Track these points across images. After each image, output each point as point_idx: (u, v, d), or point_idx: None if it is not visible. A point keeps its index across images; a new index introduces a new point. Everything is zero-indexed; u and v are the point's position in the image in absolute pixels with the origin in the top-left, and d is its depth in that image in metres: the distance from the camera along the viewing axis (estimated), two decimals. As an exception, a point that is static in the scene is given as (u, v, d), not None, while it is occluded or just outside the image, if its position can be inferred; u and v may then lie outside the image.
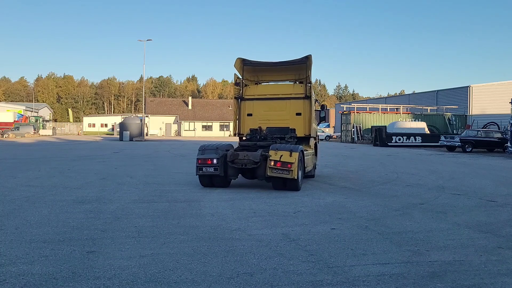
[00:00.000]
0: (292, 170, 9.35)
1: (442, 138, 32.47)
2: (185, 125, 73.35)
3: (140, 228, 6.14)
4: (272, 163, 9.42)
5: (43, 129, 66.71)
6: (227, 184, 10.35)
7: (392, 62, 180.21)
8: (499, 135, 30.11)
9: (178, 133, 73.68)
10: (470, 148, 28.90)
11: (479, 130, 32.12)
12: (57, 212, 7.25)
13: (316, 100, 12.90)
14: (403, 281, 4.09)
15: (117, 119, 75.57)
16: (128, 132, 47.40)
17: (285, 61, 12.00)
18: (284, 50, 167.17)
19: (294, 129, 11.62)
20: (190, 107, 77.56)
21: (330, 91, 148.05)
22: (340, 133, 50.81)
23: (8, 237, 5.54)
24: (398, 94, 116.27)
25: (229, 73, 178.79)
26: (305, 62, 11.57)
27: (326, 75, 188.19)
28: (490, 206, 8.37)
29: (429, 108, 51.17)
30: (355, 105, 53.53)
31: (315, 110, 12.66)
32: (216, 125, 74.12)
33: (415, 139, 36.72)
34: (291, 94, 11.97)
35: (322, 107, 13.54)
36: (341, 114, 49.56)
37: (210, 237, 5.69)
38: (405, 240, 5.66)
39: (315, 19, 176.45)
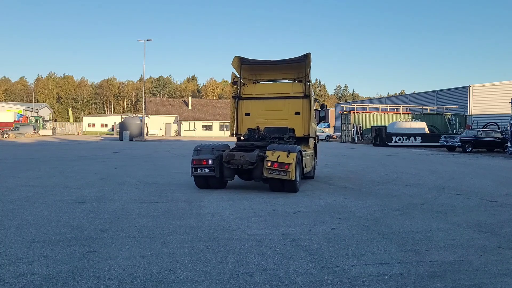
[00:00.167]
0: (290, 171, 9.14)
1: (442, 138, 32.50)
2: (185, 125, 73.37)
3: (140, 228, 6.14)
4: (269, 163, 9.22)
5: (43, 129, 66.68)
6: (223, 185, 10.14)
7: (392, 62, 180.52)
8: (499, 135, 30.12)
9: (178, 133, 73.69)
10: (470, 148, 28.91)
11: (479, 130, 32.13)
12: (57, 212, 7.25)
13: (316, 100, 12.67)
14: (403, 281, 4.09)
15: (117, 119, 75.55)
16: (128, 132, 47.40)
17: (283, 59, 11.78)
18: (284, 50, 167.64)
19: (293, 129, 11.35)
20: (190, 107, 77.57)
21: (330, 91, 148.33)
22: (340, 133, 50.84)
23: (8, 237, 5.53)
24: (398, 94, 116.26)
25: (229, 73, 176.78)
26: (304, 60, 11.35)
27: (326, 75, 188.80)
28: (490, 206, 8.37)
29: (429, 108, 51.18)
30: (355, 105, 53.55)
31: (315, 109, 12.44)
32: (216, 125, 74.13)
33: (415, 139, 36.72)
34: (290, 93, 11.73)
35: (322, 106, 13.27)
36: (341, 114, 49.59)
37: (210, 237, 5.69)
38: (405, 240, 5.66)
39: (315, 19, 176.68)
